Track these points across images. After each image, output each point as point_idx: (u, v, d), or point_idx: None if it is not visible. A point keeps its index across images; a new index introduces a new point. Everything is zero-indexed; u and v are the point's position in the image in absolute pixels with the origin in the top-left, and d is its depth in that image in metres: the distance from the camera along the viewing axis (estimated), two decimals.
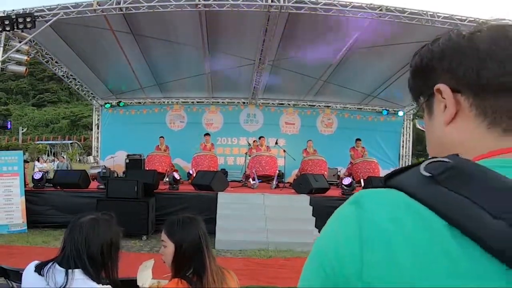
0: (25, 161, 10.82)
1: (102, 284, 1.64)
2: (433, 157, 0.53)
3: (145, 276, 2.13)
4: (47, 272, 1.63)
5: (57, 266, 1.64)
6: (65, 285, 1.58)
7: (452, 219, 0.46)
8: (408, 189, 0.52)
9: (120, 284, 1.72)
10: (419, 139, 34.08)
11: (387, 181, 0.58)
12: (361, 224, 0.52)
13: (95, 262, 1.64)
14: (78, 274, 1.61)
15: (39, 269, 1.66)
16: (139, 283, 2.07)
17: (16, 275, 2.53)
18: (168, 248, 1.75)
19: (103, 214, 1.78)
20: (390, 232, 0.48)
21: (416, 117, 15.00)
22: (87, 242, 1.64)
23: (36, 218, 8.06)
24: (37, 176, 8.84)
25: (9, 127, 9.67)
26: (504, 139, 0.57)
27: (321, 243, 0.60)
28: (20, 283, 2.13)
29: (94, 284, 1.62)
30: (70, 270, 1.61)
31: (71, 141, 48.84)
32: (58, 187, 8.66)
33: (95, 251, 1.64)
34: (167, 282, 1.80)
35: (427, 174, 0.50)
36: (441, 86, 0.62)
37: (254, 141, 12.02)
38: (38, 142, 46.04)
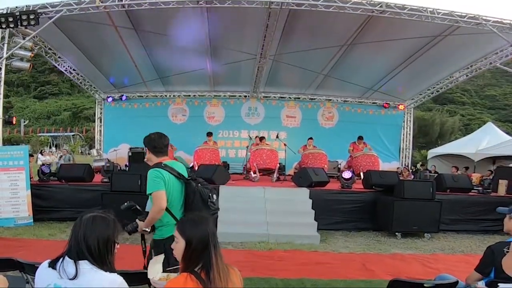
0: (29, 155, 10.96)
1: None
2: (158, 163, 3.15)
3: (155, 269, 2.28)
4: (59, 266, 1.81)
5: (66, 258, 1.82)
6: (76, 274, 1.76)
7: (170, 172, 3.05)
8: (159, 166, 3.09)
9: (119, 274, 1.90)
10: (421, 132, 34.27)
11: (158, 165, 3.09)
12: (160, 171, 3.01)
13: (93, 254, 1.82)
14: (85, 264, 1.80)
15: (52, 264, 1.84)
16: (149, 276, 2.22)
17: (31, 269, 2.67)
18: (179, 243, 1.89)
19: (103, 211, 1.96)
20: (162, 173, 3.01)
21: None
22: (85, 236, 1.83)
23: (42, 211, 8.21)
24: (45, 169, 9.00)
25: (14, 122, 9.83)
26: (159, 158, 3.16)
27: (155, 174, 3.01)
28: (35, 276, 2.30)
29: (102, 272, 1.81)
30: (78, 261, 1.79)
31: (73, 133, 48.99)
32: (63, 181, 8.80)
33: (92, 245, 1.82)
34: (176, 275, 1.94)
35: (162, 164, 3.10)
36: (147, 148, 3.22)
37: (256, 137, 12.11)
38: (40, 134, 46.19)
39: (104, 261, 1.85)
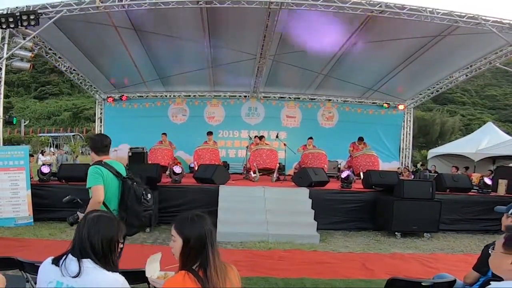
0: (30, 155, 11.00)
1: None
2: (99, 160, 3.43)
3: (153, 268, 2.29)
4: (62, 263, 1.82)
5: (70, 256, 1.84)
6: (79, 273, 1.78)
7: (109, 170, 3.35)
8: (100, 164, 3.35)
9: (120, 273, 1.91)
10: (421, 132, 34.29)
11: (98, 163, 3.36)
12: (99, 168, 3.31)
13: (97, 254, 1.83)
14: (88, 263, 1.81)
15: (56, 261, 1.86)
16: (147, 274, 2.24)
17: (31, 268, 2.68)
18: (177, 242, 1.90)
19: (107, 211, 1.98)
20: (101, 170, 3.30)
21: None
22: (89, 236, 1.84)
23: (42, 211, 8.21)
24: (45, 169, 9.00)
25: (14, 122, 9.85)
26: (100, 157, 3.44)
27: (95, 170, 3.29)
28: (35, 275, 2.31)
29: (105, 271, 1.82)
30: (81, 259, 1.81)
31: (73, 133, 48.97)
32: (63, 181, 8.81)
33: (96, 244, 1.83)
34: (173, 273, 1.96)
35: (103, 162, 3.39)
36: (90, 147, 3.60)
37: (255, 137, 12.11)
38: (40, 135, 46.20)
39: (107, 261, 1.86)
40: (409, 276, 4.85)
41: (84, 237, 1.84)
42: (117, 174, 3.44)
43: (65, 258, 1.84)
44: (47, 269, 1.86)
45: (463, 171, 14.33)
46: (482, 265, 2.88)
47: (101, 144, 3.52)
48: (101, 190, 3.26)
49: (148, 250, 6.38)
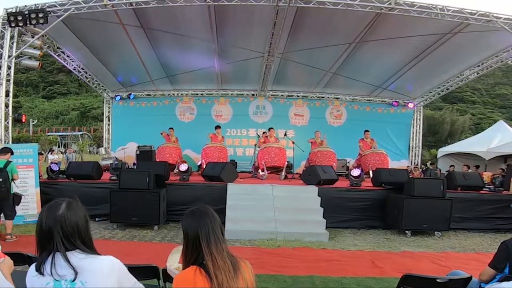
0: (39, 154, 11.07)
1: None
2: None
3: (173, 258, 2.28)
4: (51, 268, 1.61)
5: (57, 256, 1.63)
6: (75, 276, 1.59)
7: None
8: None
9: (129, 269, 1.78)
10: (430, 131, 33.99)
11: None
12: None
13: (84, 240, 1.69)
14: (77, 254, 1.64)
15: (39, 270, 1.63)
16: (167, 264, 2.23)
17: None
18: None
19: (67, 198, 1.77)
20: None
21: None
22: (76, 224, 1.67)
23: None
24: (54, 167, 9.06)
25: (23, 120, 9.91)
26: None
27: None
28: None
29: (98, 256, 1.68)
30: (72, 252, 1.63)
31: (81, 132, 49.33)
32: (72, 179, 8.85)
33: (82, 231, 1.68)
34: None
35: None
36: None
37: (263, 133, 12.04)
38: (48, 134, 46.57)
39: (92, 244, 1.72)
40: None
41: (67, 228, 1.64)
42: None
43: (52, 260, 1.61)
44: (34, 281, 1.64)
45: (473, 170, 14.16)
46: (498, 262, 2.81)
47: None
48: None
49: (156, 248, 6.38)
